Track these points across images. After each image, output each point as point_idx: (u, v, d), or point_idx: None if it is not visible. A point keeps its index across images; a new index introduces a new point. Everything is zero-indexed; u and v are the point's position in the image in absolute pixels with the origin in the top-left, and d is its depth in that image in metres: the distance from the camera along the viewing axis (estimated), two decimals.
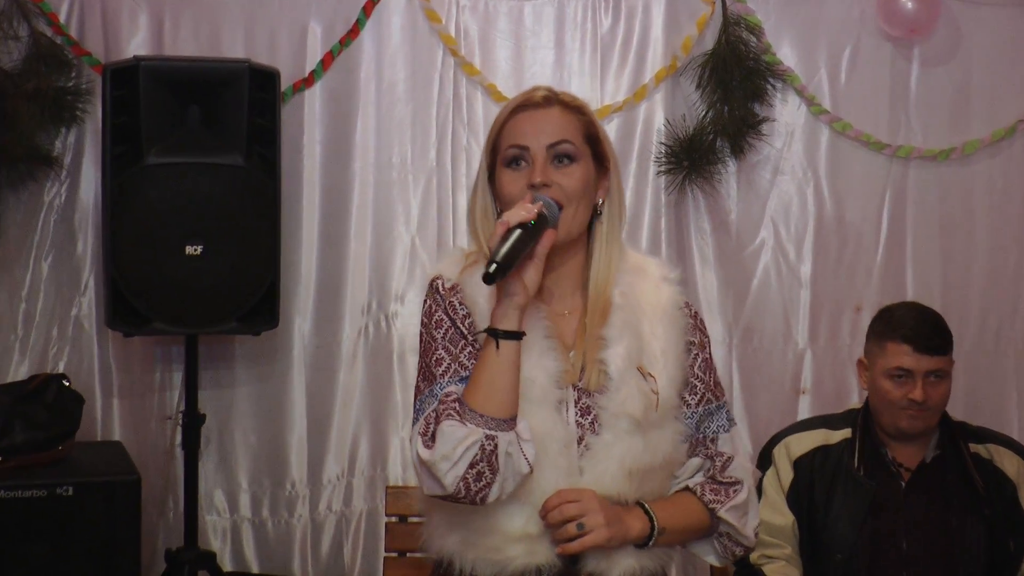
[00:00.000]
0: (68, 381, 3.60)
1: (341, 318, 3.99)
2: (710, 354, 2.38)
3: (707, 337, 2.38)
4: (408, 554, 3.12)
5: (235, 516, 3.97)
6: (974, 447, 3.26)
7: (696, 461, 2.36)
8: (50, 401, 3.51)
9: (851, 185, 4.14)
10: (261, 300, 3.61)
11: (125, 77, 3.47)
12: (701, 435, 2.35)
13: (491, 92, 3.99)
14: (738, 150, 4.06)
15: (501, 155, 2.27)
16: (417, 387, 2.28)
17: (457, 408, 2.15)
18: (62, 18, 3.76)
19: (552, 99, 2.29)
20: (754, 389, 4.15)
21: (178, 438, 3.80)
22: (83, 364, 3.84)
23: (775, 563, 3.19)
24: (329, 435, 3.99)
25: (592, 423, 2.23)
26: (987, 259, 4.20)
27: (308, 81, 3.91)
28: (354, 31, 3.92)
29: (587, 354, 2.26)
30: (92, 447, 3.69)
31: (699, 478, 2.35)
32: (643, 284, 2.32)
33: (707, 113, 4.03)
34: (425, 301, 2.32)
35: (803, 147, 4.13)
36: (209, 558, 3.75)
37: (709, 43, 4.04)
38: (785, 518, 3.21)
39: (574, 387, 2.25)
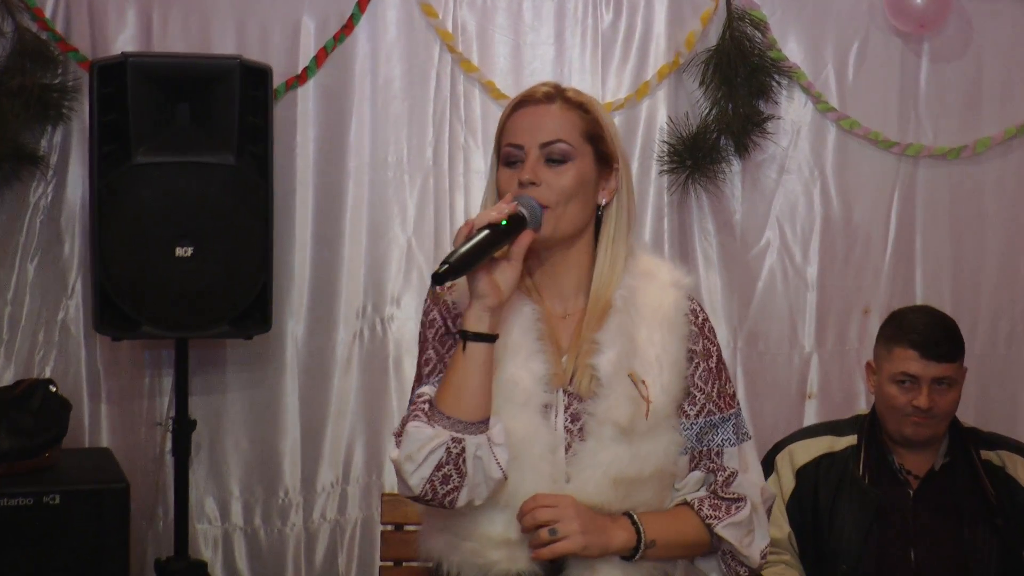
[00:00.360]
0: (55, 386, 3.58)
1: (335, 321, 3.98)
2: (717, 364, 2.33)
3: (714, 346, 2.33)
4: (404, 563, 3.13)
5: (227, 525, 3.96)
6: (985, 454, 3.24)
7: (698, 474, 2.31)
8: (36, 407, 3.49)
9: (859, 184, 4.14)
10: (253, 303, 3.59)
11: (113, 74, 3.44)
12: (704, 448, 2.30)
13: (489, 89, 3.98)
14: (743, 149, 4.04)
15: (501, 152, 2.27)
16: (412, 387, 2.33)
17: (426, 409, 2.17)
18: (48, 13, 3.74)
19: (554, 95, 2.28)
20: (759, 394, 4.15)
21: (168, 445, 3.78)
22: (70, 369, 3.83)
23: (773, 567, 3.18)
24: (323, 441, 3.98)
25: (580, 429, 2.22)
26: (998, 260, 4.20)
27: (301, 78, 3.90)
28: (348, 27, 3.91)
29: (579, 358, 2.25)
30: (79, 454, 3.68)
31: (702, 492, 2.31)
32: (648, 288, 2.28)
33: (711, 111, 4.02)
34: (425, 300, 2.34)
35: (809, 145, 4.13)
36: (200, 568, 3.73)
37: (713, 39, 4.03)
38: (782, 531, 3.19)
39: (565, 391, 2.24)
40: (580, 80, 4.01)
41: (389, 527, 3.06)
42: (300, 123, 3.90)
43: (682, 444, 2.27)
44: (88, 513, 3.33)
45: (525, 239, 2.17)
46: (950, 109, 4.13)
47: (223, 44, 3.83)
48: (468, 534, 2.22)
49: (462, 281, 2.22)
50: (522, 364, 2.21)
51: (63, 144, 3.77)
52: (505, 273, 2.16)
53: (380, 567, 3.19)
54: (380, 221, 3.96)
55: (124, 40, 3.77)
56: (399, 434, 2.18)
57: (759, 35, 4.02)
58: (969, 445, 3.22)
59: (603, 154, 2.28)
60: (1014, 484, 3.20)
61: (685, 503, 2.29)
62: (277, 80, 3.72)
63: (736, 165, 4.07)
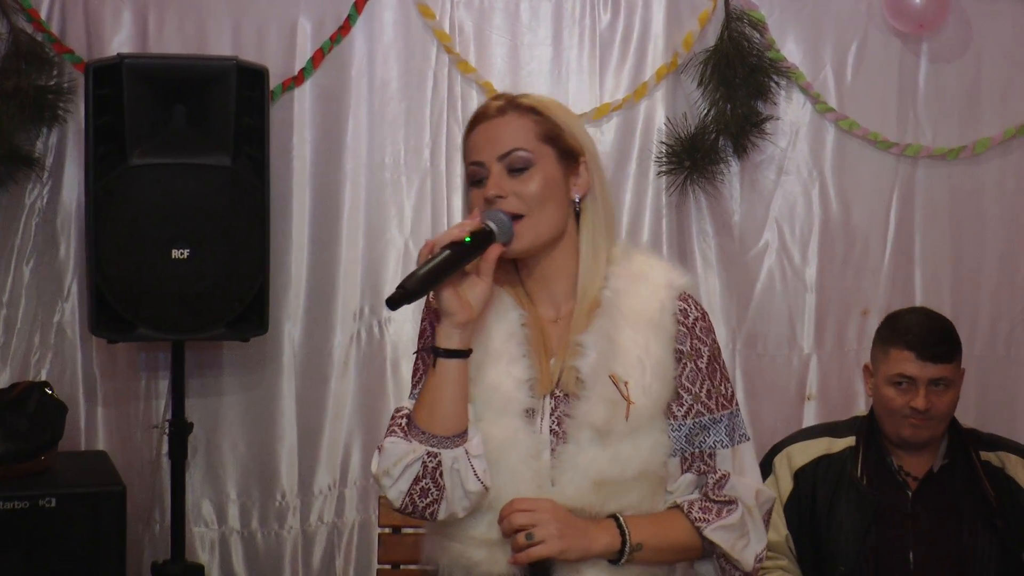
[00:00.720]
0: (51, 389, 3.59)
1: (332, 324, 3.97)
2: (709, 364, 2.29)
3: (706, 346, 2.30)
4: (402, 566, 3.12)
5: (223, 528, 3.95)
6: (985, 455, 3.23)
7: (690, 477, 2.29)
8: (32, 410, 3.49)
9: (858, 185, 4.13)
10: (250, 305, 3.58)
11: (108, 75, 3.44)
12: (696, 450, 2.27)
13: (487, 90, 3.96)
14: (741, 150, 4.04)
15: (467, 173, 2.28)
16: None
17: (403, 424, 2.20)
18: (43, 14, 3.74)
19: (506, 107, 2.27)
20: (758, 395, 4.14)
21: (164, 447, 3.77)
22: (66, 371, 3.83)
23: (771, 573, 3.18)
24: (320, 444, 3.98)
25: (564, 432, 2.22)
26: (998, 261, 4.19)
27: (298, 79, 3.89)
28: (345, 27, 3.90)
29: (565, 361, 2.25)
30: (75, 457, 3.68)
31: (693, 495, 2.29)
32: (637, 288, 2.27)
33: (709, 111, 4.01)
34: (423, 308, 2.34)
35: (808, 146, 4.12)
36: (197, 571, 3.72)
37: (711, 39, 4.03)
38: (779, 534, 3.19)
39: (552, 395, 2.24)
40: (578, 81, 4.01)
41: (387, 530, 3.05)
42: (297, 124, 3.90)
43: (670, 446, 2.25)
44: (84, 516, 3.33)
45: (493, 253, 2.17)
46: (949, 109, 4.12)
47: (219, 45, 3.83)
48: (455, 535, 2.24)
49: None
50: (503, 370, 2.22)
51: (59, 146, 3.77)
52: (474, 288, 2.17)
53: (378, 570, 3.19)
54: (377, 223, 3.96)
55: (120, 41, 3.76)
56: (379, 447, 2.21)
57: (757, 35, 4.01)
58: (969, 446, 3.22)
59: (566, 151, 2.27)
60: (1014, 485, 3.19)
61: (676, 506, 2.27)
62: (273, 81, 3.72)
63: (735, 166, 4.07)
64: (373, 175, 3.94)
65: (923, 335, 3.16)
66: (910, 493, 3.17)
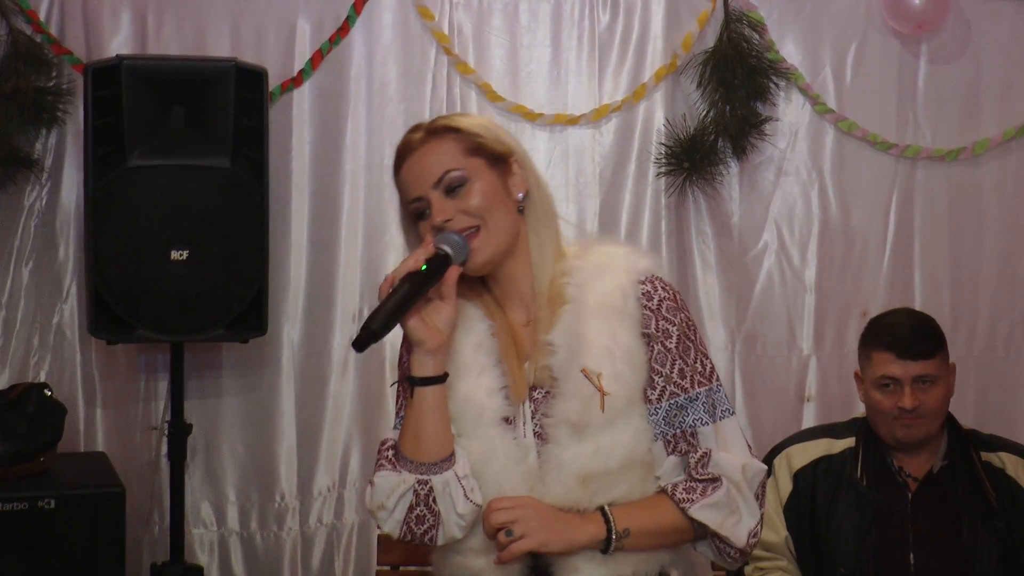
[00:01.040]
0: (50, 390, 3.58)
1: (332, 325, 3.97)
2: (679, 343, 2.25)
3: (674, 325, 2.24)
4: (401, 567, 3.11)
5: (222, 529, 3.95)
6: (985, 456, 3.23)
7: (674, 459, 2.25)
8: (31, 411, 3.48)
9: (857, 186, 4.13)
10: (249, 307, 3.58)
11: (107, 77, 3.43)
12: (677, 431, 2.24)
13: (486, 91, 3.97)
14: (740, 151, 4.03)
15: (410, 211, 2.28)
16: None
17: (390, 456, 2.23)
18: (42, 16, 3.74)
19: (423, 136, 2.28)
20: (758, 397, 4.13)
21: (164, 449, 3.76)
22: (65, 373, 3.82)
23: (771, 574, 3.18)
24: (319, 445, 3.97)
25: (546, 433, 2.22)
26: (997, 262, 4.18)
27: (297, 81, 3.89)
28: (344, 29, 3.90)
29: (537, 362, 2.25)
30: (75, 458, 3.67)
31: (680, 477, 2.25)
32: (599, 279, 2.26)
33: (708, 112, 4.01)
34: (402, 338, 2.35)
35: (807, 147, 4.12)
36: (196, 572, 3.72)
37: (710, 40, 4.03)
38: (779, 535, 3.19)
39: (531, 398, 2.24)
40: (577, 82, 4.01)
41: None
42: (296, 126, 3.89)
43: (651, 431, 2.23)
44: (83, 518, 3.32)
45: (452, 275, 2.18)
46: (948, 110, 4.12)
47: (218, 46, 3.82)
48: (454, 546, 2.25)
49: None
50: (474, 382, 2.23)
51: (57, 147, 3.77)
52: (440, 313, 2.18)
53: (377, 571, 3.18)
54: (376, 224, 3.95)
55: (119, 43, 3.76)
56: (371, 480, 2.24)
57: (757, 36, 4.01)
58: (969, 447, 3.22)
59: (494, 157, 2.27)
60: (1014, 486, 3.19)
61: (662, 489, 2.25)
62: (272, 83, 3.72)
63: (734, 167, 4.06)
64: (372, 176, 3.93)
65: (902, 334, 3.17)
66: (910, 494, 3.16)
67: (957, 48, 4.11)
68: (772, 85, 4.03)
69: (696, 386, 2.25)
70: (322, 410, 3.96)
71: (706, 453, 2.23)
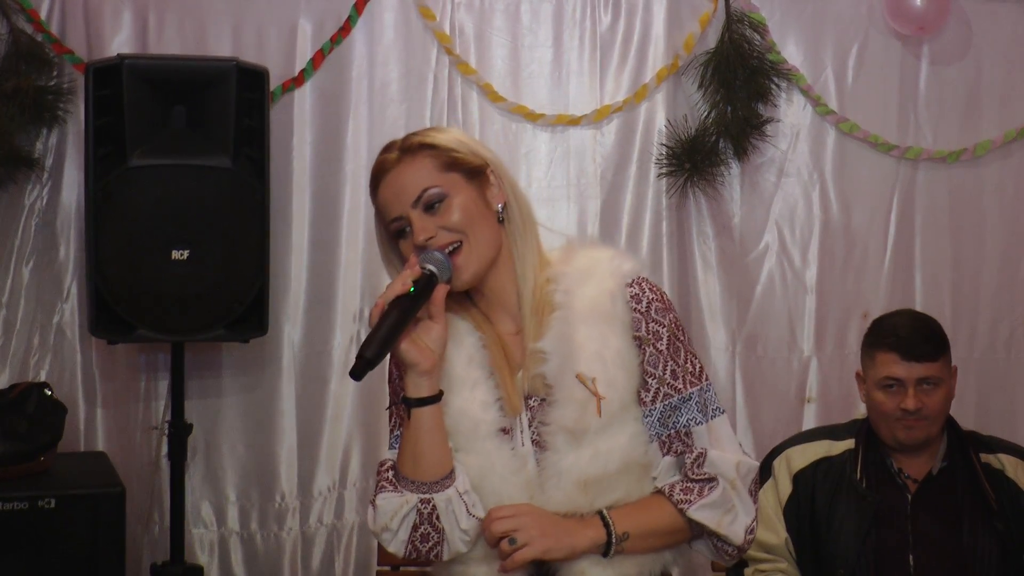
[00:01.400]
0: (50, 390, 3.57)
1: (332, 325, 3.96)
2: (669, 344, 2.26)
3: (664, 327, 2.26)
4: (401, 568, 3.11)
5: (223, 529, 3.94)
6: (985, 457, 3.22)
7: (669, 460, 2.26)
8: (31, 411, 3.47)
9: (858, 187, 4.13)
10: (249, 306, 3.58)
11: (108, 76, 3.43)
12: (671, 431, 2.25)
13: (487, 92, 3.96)
14: (741, 152, 4.03)
15: (390, 230, 2.27)
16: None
17: (390, 477, 2.23)
18: (43, 15, 3.73)
19: (398, 156, 2.26)
20: (758, 398, 4.13)
21: (164, 449, 3.76)
22: (65, 372, 3.82)
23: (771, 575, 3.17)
24: (320, 446, 3.97)
25: (544, 440, 2.22)
26: (998, 264, 4.18)
27: (298, 80, 3.88)
28: (345, 29, 3.89)
29: (529, 370, 2.25)
30: (75, 458, 3.67)
31: (676, 477, 2.26)
32: (586, 284, 2.26)
33: (709, 113, 4.01)
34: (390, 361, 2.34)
35: (808, 148, 4.12)
36: (196, 573, 3.71)
37: (712, 41, 4.02)
38: (778, 536, 3.18)
39: (527, 407, 2.24)
40: (578, 82, 4.01)
41: None
42: (297, 126, 3.89)
43: (646, 433, 2.24)
44: (84, 518, 3.31)
45: (440, 294, 2.17)
46: (949, 112, 4.12)
47: (219, 46, 3.82)
48: (456, 557, 2.24)
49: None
50: (467, 396, 2.22)
51: (58, 147, 3.76)
52: (430, 333, 2.18)
53: (377, 572, 3.18)
54: None
55: (120, 42, 3.75)
56: (372, 502, 2.24)
57: (758, 37, 4.00)
58: (968, 448, 3.21)
59: (470, 170, 2.26)
60: (1014, 487, 3.18)
61: (659, 491, 2.26)
62: (273, 83, 3.71)
63: (735, 168, 4.06)
64: None
65: (907, 336, 3.16)
66: (910, 495, 3.16)
67: (958, 50, 4.11)
68: (773, 86, 4.03)
69: (688, 386, 2.26)
70: (322, 410, 3.95)
71: (702, 453, 2.24)
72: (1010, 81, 4.13)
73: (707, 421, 2.26)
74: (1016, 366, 4.19)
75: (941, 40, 4.09)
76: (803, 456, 3.23)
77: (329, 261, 3.94)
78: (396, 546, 2.21)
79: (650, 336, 2.24)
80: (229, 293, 3.53)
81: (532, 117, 3.98)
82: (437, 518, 2.18)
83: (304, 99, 3.90)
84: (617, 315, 2.23)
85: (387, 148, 2.29)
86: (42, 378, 3.76)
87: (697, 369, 2.28)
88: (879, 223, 4.13)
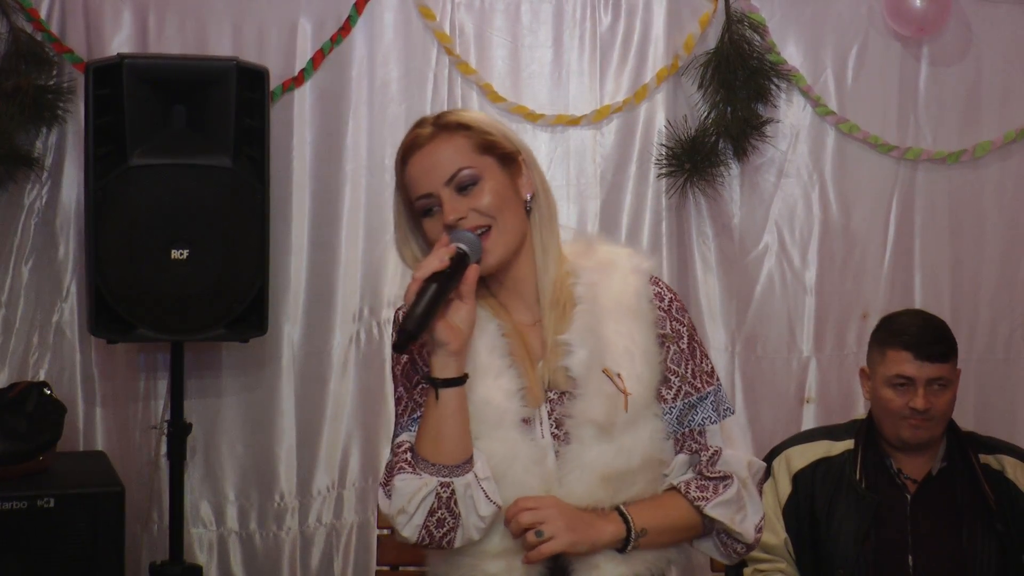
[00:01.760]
0: (49, 389, 3.56)
1: (332, 325, 3.96)
2: (689, 344, 2.30)
3: (684, 326, 2.30)
4: (400, 567, 3.10)
5: (222, 529, 3.94)
6: (984, 458, 3.23)
7: (683, 457, 2.30)
8: (31, 410, 3.46)
9: (858, 188, 4.13)
10: (249, 306, 3.57)
11: (108, 75, 3.42)
12: (686, 429, 2.29)
13: (487, 92, 3.96)
14: (741, 152, 4.03)
15: (415, 207, 2.26)
16: (395, 422, 2.33)
17: (409, 459, 2.19)
18: (43, 14, 3.72)
19: (434, 132, 2.26)
20: (757, 398, 4.13)
21: (163, 448, 3.75)
22: (65, 372, 3.81)
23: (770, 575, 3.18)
24: (319, 445, 3.96)
25: (566, 433, 2.22)
26: (998, 265, 4.19)
27: (298, 80, 3.88)
28: (345, 28, 3.88)
29: (552, 362, 2.25)
30: (74, 457, 3.66)
31: (689, 475, 2.30)
32: (609, 279, 2.28)
33: (709, 114, 4.00)
34: (392, 335, 2.32)
35: (808, 149, 4.11)
36: (195, 572, 3.71)
37: (712, 42, 4.02)
38: (778, 537, 3.19)
39: (546, 399, 2.24)
40: (578, 83, 4.01)
41: (385, 531, 3.04)
42: (297, 125, 3.88)
43: (664, 430, 2.26)
44: (83, 517, 3.31)
45: (472, 275, 2.17)
46: (949, 113, 4.12)
47: (219, 46, 3.81)
48: (466, 549, 2.23)
49: None
50: (492, 384, 2.21)
51: (58, 146, 3.75)
52: (460, 313, 2.16)
53: (376, 571, 3.17)
54: (377, 224, 3.93)
55: (120, 41, 3.74)
56: (385, 484, 2.20)
57: (758, 38, 4.00)
58: (968, 449, 3.21)
59: (504, 156, 2.26)
60: (1013, 488, 3.19)
61: (673, 487, 2.28)
62: (274, 82, 3.71)
63: (735, 168, 4.06)
64: (373, 176, 3.92)
65: (920, 335, 3.16)
66: (909, 496, 3.16)
67: (958, 51, 4.10)
68: (773, 87, 4.02)
69: (705, 385, 2.30)
70: (322, 410, 3.95)
71: (717, 451, 2.28)
72: (1010, 82, 4.13)
73: (720, 420, 2.30)
74: (1015, 366, 4.19)
75: (941, 41, 4.09)
76: (802, 456, 3.23)
77: (329, 261, 3.93)
78: (410, 530, 2.18)
79: (673, 335, 2.28)
80: (229, 293, 3.52)
81: (532, 117, 3.98)
82: (455, 503, 2.16)
83: (304, 99, 3.89)
84: (642, 312, 2.26)
85: (420, 123, 2.29)
86: (41, 377, 3.75)
87: (710, 369, 2.32)
88: (879, 224, 4.13)
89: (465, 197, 2.21)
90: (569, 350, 2.22)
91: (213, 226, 3.47)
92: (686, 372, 2.28)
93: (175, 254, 3.44)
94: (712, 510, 2.26)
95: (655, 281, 2.30)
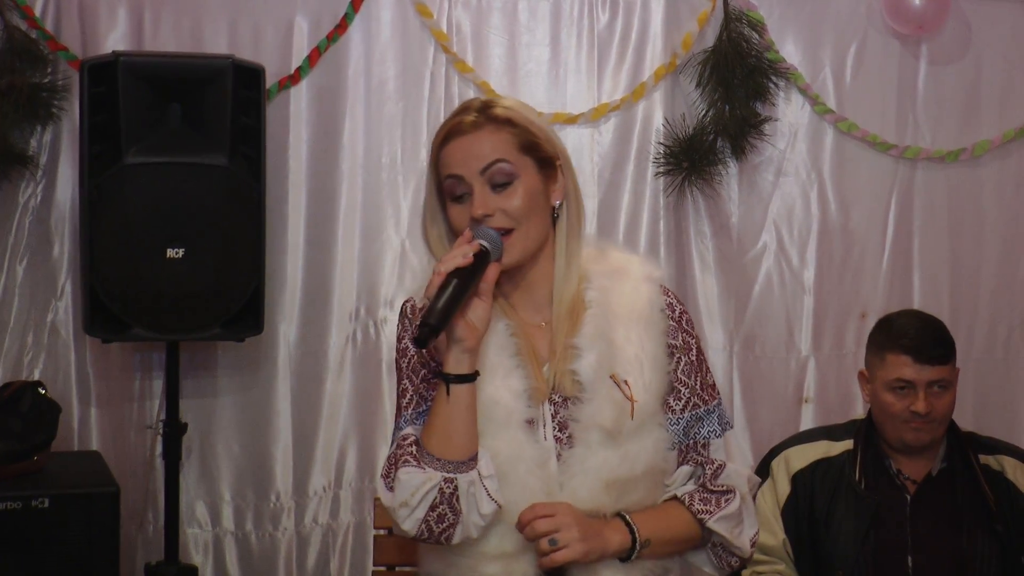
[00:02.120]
0: (44, 389, 3.56)
1: (328, 324, 3.95)
2: (697, 356, 2.33)
3: (693, 338, 2.33)
4: (397, 568, 3.10)
5: (217, 529, 3.94)
6: (984, 458, 3.22)
7: (686, 469, 2.32)
8: (25, 410, 3.46)
9: (856, 187, 4.13)
10: (245, 305, 3.57)
11: (103, 73, 3.42)
12: (691, 441, 2.31)
13: (484, 90, 3.95)
14: (739, 151, 4.03)
15: (443, 186, 2.25)
16: (395, 415, 2.34)
17: (414, 452, 2.19)
18: (37, 11, 3.71)
19: (480, 120, 2.24)
20: (756, 398, 4.13)
21: (158, 448, 3.74)
22: (59, 371, 3.80)
23: None
24: (315, 445, 3.96)
25: (569, 436, 2.23)
26: (997, 264, 4.19)
27: (294, 78, 3.87)
28: (342, 26, 3.88)
29: (559, 365, 2.25)
30: (69, 457, 3.66)
31: (690, 486, 2.32)
32: (621, 286, 2.29)
33: (707, 112, 4.00)
34: (397, 325, 2.34)
35: (807, 148, 4.12)
36: (190, 573, 3.70)
37: (710, 40, 4.02)
38: (776, 538, 3.18)
39: (550, 401, 2.24)
40: (576, 81, 4.01)
41: (382, 532, 3.03)
42: (293, 124, 3.88)
43: (670, 440, 2.28)
44: (78, 517, 3.30)
45: (492, 273, 2.18)
46: (948, 111, 4.12)
47: (215, 44, 3.81)
48: (463, 550, 2.23)
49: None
50: (500, 383, 2.22)
51: (53, 144, 3.75)
52: (477, 311, 2.17)
53: (373, 572, 3.16)
54: (374, 223, 3.94)
55: (115, 39, 3.74)
56: (387, 475, 2.20)
57: (756, 36, 4.00)
58: (968, 450, 3.21)
59: (543, 159, 2.26)
60: (1013, 489, 3.18)
61: (675, 498, 2.30)
62: (270, 80, 3.69)
63: (733, 167, 4.06)
64: (370, 175, 3.92)
65: (919, 338, 3.15)
66: (908, 497, 3.16)
67: (957, 49, 4.11)
68: (772, 85, 4.03)
69: (711, 399, 2.32)
70: (318, 410, 3.94)
71: (721, 465, 2.31)
72: (1009, 81, 4.14)
73: (723, 434, 2.33)
74: (1015, 366, 4.20)
75: (940, 40, 4.09)
76: (801, 457, 3.23)
77: (325, 260, 3.92)
78: (411, 524, 2.18)
79: (683, 346, 2.30)
80: (225, 292, 3.52)
81: None
82: (457, 500, 2.16)
83: (300, 97, 3.88)
84: (654, 321, 2.27)
85: (464, 109, 2.27)
86: (36, 377, 3.75)
87: (712, 382, 2.35)
88: (877, 223, 4.13)
89: (497, 195, 2.21)
90: (578, 354, 2.23)
91: (209, 225, 3.46)
92: (695, 384, 2.30)
93: (170, 253, 3.43)
94: (715, 524, 2.28)
95: (666, 291, 2.32)
